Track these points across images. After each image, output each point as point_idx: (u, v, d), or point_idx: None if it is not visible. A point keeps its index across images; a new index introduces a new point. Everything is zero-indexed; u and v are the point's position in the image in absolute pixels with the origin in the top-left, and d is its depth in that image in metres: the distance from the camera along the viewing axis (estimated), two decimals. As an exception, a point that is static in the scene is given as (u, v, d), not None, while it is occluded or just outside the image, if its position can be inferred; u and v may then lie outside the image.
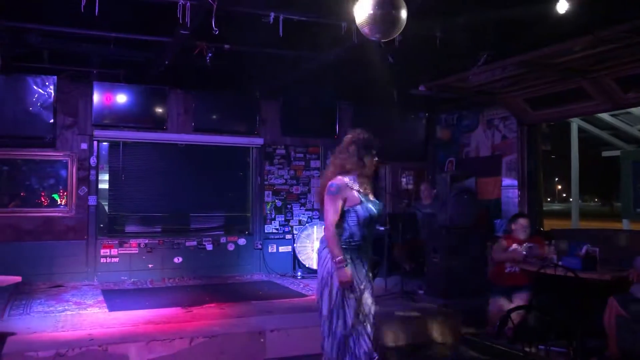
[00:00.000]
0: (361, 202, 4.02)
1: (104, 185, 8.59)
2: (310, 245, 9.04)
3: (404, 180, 10.16)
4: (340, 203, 3.97)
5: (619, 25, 4.98)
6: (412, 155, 10.08)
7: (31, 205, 8.08)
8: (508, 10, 5.29)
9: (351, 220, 4.01)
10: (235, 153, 9.42)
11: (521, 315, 5.41)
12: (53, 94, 7.80)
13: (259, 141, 9.30)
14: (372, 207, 4.04)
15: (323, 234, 4.09)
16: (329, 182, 4.04)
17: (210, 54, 6.73)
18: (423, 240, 8.13)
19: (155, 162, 8.96)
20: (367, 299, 3.99)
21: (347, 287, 3.89)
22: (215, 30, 5.09)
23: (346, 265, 3.88)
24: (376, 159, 4.19)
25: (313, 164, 9.72)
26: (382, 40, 4.78)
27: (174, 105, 8.77)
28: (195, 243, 8.93)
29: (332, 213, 3.95)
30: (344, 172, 4.07)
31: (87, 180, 8.28)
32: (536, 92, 7.23)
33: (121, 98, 8.33)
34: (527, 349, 4.96)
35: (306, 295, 7.45)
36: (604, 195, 39.75)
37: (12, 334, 5.09)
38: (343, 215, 4.01)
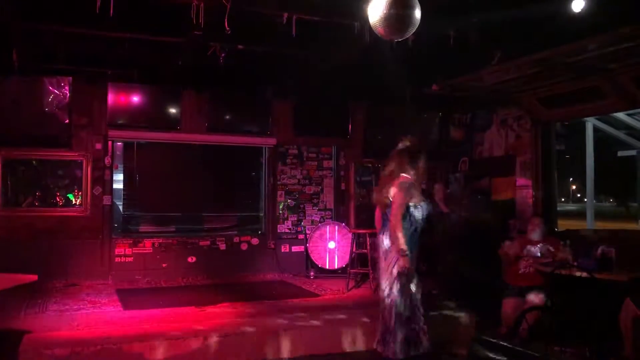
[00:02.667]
0: (424, 200, 4.60)
1: (119, 185, 8.65)
2: (323, 245, 9.04)
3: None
4: (407, 199, 4.46)
5: (635, 23, 4.92)
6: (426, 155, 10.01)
7: (46, 204, 8.17)
8: (522, 9, 5.26)
9: (418, 214, 4.51)
10: (248, 153, 9.45)
11: (536, 316, 5.38)
12: (68, 95, 7.87)
13: (272, 141, 9.30)
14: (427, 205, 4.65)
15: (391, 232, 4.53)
16: (401, 180, 4.52)
17: (223, 55, 6.75)
18: (437, 240, 8.09)
19: (169, 162, 9.02)
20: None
21: (407, 273, 4.43)
22: (228, 30, 5.11)
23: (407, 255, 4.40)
24: (423, 162, 4.73)
25: (326, 164, 9.72)
26: (396, 40, 4.78)
27: (187, 105, 8.80)
28: (208, 243, 8.96)
29: (400, 205, 4.43)
30: (404, 174, 4.57)
31: (102, 180, 8.34)
32: (551, 91, 7.16)
33: (135, 98, 8.39)
34: (542, 350, 4.93)
35: (319, 295, 7.45)
36: (619, 195, 39.26)
37: (29, 332, 5.13)
38: (408, 210, 4.49)
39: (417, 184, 4.63)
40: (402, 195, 4.47)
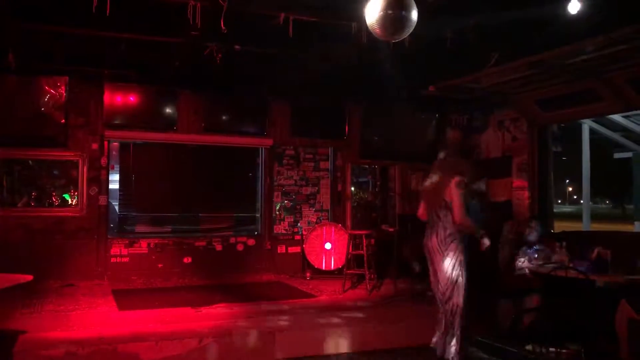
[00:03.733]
0: (474, 198, 5.07)
1: (115, 185, 8.63)
2: (320, 246, 9.03)
3: (413, 181, 10.12)
4: (464, 196, 4.71)
5: (631, 25, 4.94)
6: (422, 156, 10.00)
7: (42, 204, 8.15)
8: (519, 11, 5.27)
9: (472, 207, 4.90)
10: (244, 154, 9.44)
11: (532, 317, 5.38)
12: (65, 95, 7.85)
13: (269, 142, 9.29)
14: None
15: (446, 232, 4.77)
16: (455, 180, 4.72)
17: (220, 55, 6.74)
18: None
19: (165, 163, 8.99)
20: None
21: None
22: (224, 30, 5.11)
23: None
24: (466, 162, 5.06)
25: (322, 164, 9.70)
26: (393, 41, 4.79)
27: (184, 105, 8.78)
28: (204, 243, 8.94)
29: (462, 204, 4.67)
30: (457, 173, 4.76)
31: (98, 180, 8.31)
32: (547, 93, 7.18)
33: (132, 99, 8.37)
34: (538, 351, 4.93)
35: (315, 296, 7.44)
36: (615, 197, 39.44)
37: (24, 332, 5.12)
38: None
39: (469, 183, 4.89)
40: (461, 193, 4.72)
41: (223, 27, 5.14)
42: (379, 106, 9.53)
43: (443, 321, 4.86)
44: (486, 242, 4.79)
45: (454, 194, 4.71)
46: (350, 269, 8.08)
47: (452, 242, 4.76)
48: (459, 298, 4.73)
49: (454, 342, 4.72)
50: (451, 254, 4.75)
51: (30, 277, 5.38)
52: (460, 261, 4.75)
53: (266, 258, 9.25)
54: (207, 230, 9.16)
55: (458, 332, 4.74)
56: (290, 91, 8.97)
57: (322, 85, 8.42)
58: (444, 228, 4.80)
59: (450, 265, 4.75)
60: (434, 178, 4.98)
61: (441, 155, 5.06)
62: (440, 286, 4.84)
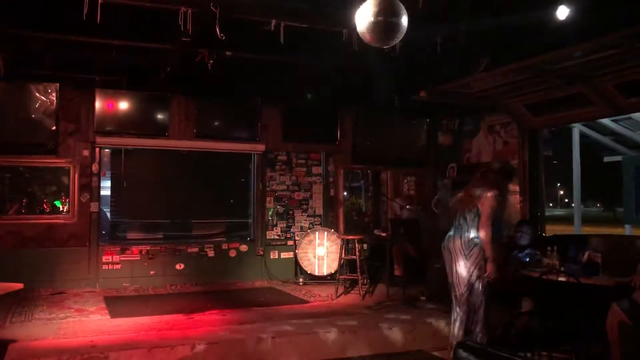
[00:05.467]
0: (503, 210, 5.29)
1: (106, 192, 8.59)
2: (312, 252, 9.03)
3: (405, 186, 10.15)
4: (494, 212, 4.99)
5: (620, 30, 4.99)
6: (414, 161, 10.08)
7: (33, 212, 8.09)
8: (509, 16, 5.32)
9: (497, 223, 5.01)
10: (236, 159, 9.42)
11: (524, 321, 5.40)
12: (55, 101, 7.83)
13: (261, 147, 9.28)
14: None
15: (471, 235, 5.04)
16: (493, 192, 5.00)
17: (211, 61, 6.75)
18: (425, 246, 8.12)
19: (157, 169, 8.97)
20: None
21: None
22: (222, 36, 5.14)
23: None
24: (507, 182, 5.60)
25: (315, 169, 9.71)
26: (383, 47, 4.82)
27: (175, 111, 8.76)
28: (197, 249, 8.91)
29: (491, 217, 4.93)
30: (491, 188, 5.04)
31: (89, 187, 8.26)
32: (537, 97, 7.23)
33: (123, 105, 8.36)
34: (530, 356, 4.95)
35: (308, 302, 7.43)
36: (606, 200, 39.69)
37: (14, 341, 5.08)
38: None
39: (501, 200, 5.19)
40: (494, 205, 4.97)
41: (219, 34, 5.16)
42: (371, 111, 9.56)
43: (462, 316, 5.11)
44: (491, 269, 4.96)
45: (487, 203, 4.98)
46: (343, 274, 8.08)
47: (475, 245, 4.98)
48: (477, 297, 5.03)
49: (479, 328, 5.07)
50: (473, 257, 4.99)
51: (20, 285, 5.36)
52: (481, 266, 4.98)
53: (258, 264, 9.22)
54: (199, 237, 9.12)
55: (482, 320, 5.08)
56: (282, 96, 8.98)
57: (313, 91, 8.45)
58: (469, 232, 5.04)
59: (470, 268, 4.99)
60: (470, 188, 5.23)
61: (481, 172, 5.33)
62: (459, 287, 5.08)
